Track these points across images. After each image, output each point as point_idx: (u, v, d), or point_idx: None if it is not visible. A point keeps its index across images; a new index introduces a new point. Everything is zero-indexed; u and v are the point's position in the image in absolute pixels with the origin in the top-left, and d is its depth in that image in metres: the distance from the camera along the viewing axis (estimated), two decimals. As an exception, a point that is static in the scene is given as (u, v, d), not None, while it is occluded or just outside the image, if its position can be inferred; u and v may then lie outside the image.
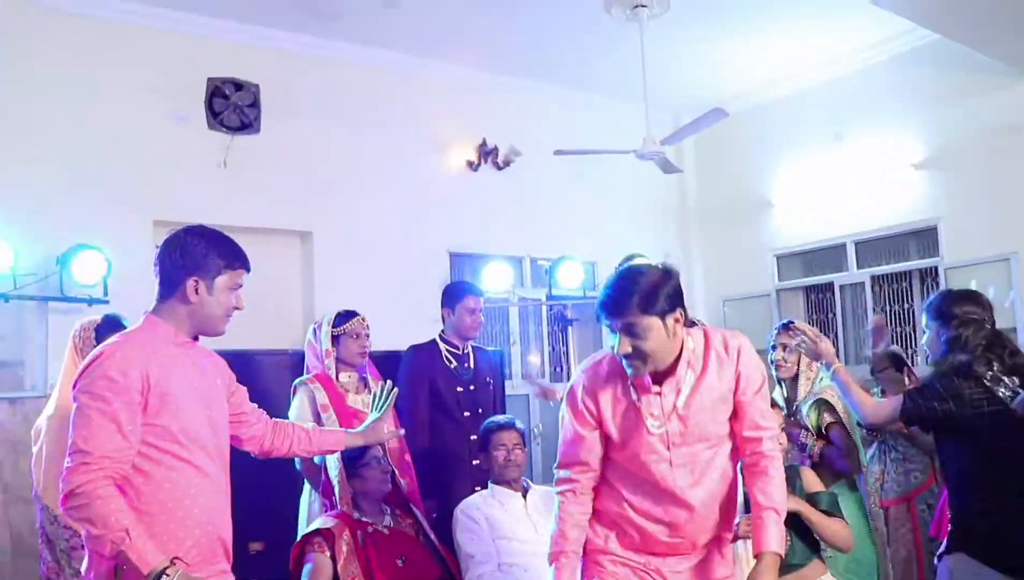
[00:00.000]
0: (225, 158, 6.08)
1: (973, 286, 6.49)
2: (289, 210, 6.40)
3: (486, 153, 7.26)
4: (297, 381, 4.13)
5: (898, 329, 7.14)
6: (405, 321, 5.54)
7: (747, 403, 2.47)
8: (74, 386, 2.36)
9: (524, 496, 3.87)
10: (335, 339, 4.13)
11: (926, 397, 3.12)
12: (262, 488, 4.63)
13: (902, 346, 6.94)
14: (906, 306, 7.15)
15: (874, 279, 7.31)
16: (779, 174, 7.81)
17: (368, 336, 4.23)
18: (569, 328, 6.60)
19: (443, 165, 7.18)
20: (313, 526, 3.45)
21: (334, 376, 4.10)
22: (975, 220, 6.60)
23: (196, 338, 2.62)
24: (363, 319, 4.22)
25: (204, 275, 2.53)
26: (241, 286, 2.64)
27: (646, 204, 8.10)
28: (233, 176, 6.13)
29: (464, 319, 4.59)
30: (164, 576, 2.17)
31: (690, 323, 4.95)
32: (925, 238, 7.03)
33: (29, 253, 5.12)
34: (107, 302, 5.23)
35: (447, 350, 4.60)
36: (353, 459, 3.55)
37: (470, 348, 4.69)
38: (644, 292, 2.35)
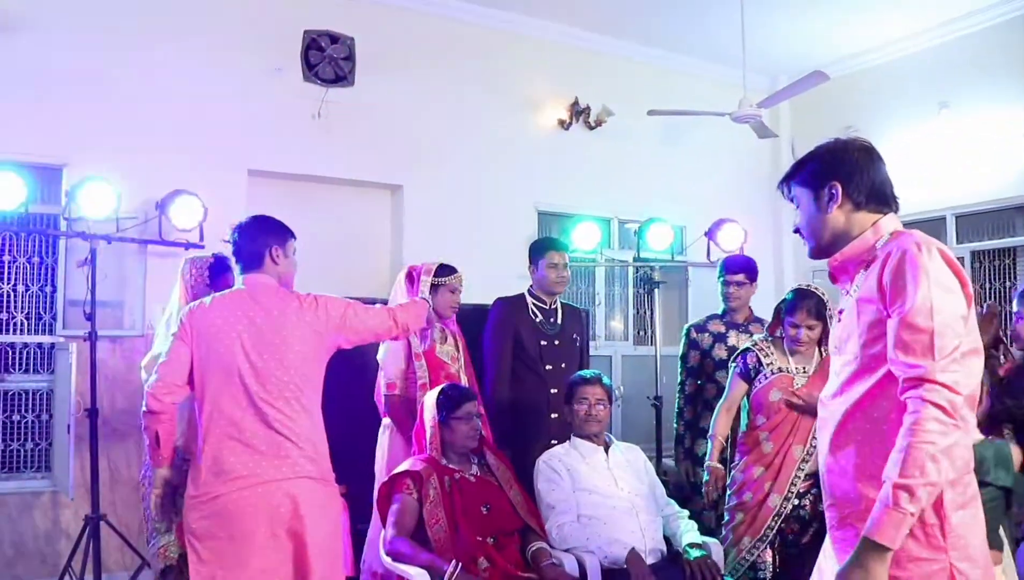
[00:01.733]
0: (319, 110, 6.15)
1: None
2: (380, 163, 6.46)
3: (578, 112, 7.21)
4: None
5: (998, 308, 6.88)
6: (491, 277, 5.58)
7: None
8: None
9: (606, 451, 3.87)
10: (432, 289, 4.18)
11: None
12: (342, 434, 4.75)
13: (1001, 325, 6.70)
14: (1008, 284, 6.90)
15: (974, 254, 7.06)
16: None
17: (461, 292, 4.31)
18: (655, 291, 6.52)
19: (535, 123, 7.15)
20: (403, 467, 3.50)
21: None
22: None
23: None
24: (460, 275, 4.30)
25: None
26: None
27: (738, 169, 7.96)
28: (326, 129, 6.20)
29: (548, 274, 4.60)
30: None
31: (754, 320, 4.89)
32: (1033, 214, 6.76)
33: (131, 198, 5.25)
34: (203, 247, 5.34)
35: (534, 304, 4.61)
36: (448, 409, 3.59)
37: (558, 303, 4.70)
38: None
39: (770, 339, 4.02)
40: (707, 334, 5.01)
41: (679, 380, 5.13)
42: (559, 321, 4.65)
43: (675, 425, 5.17)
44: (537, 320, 4.58)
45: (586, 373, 4.02)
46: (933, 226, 7.30)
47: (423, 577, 3.19)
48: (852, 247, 2.14)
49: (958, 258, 6.74)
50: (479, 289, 5.14)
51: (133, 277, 5.51)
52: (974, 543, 2.01)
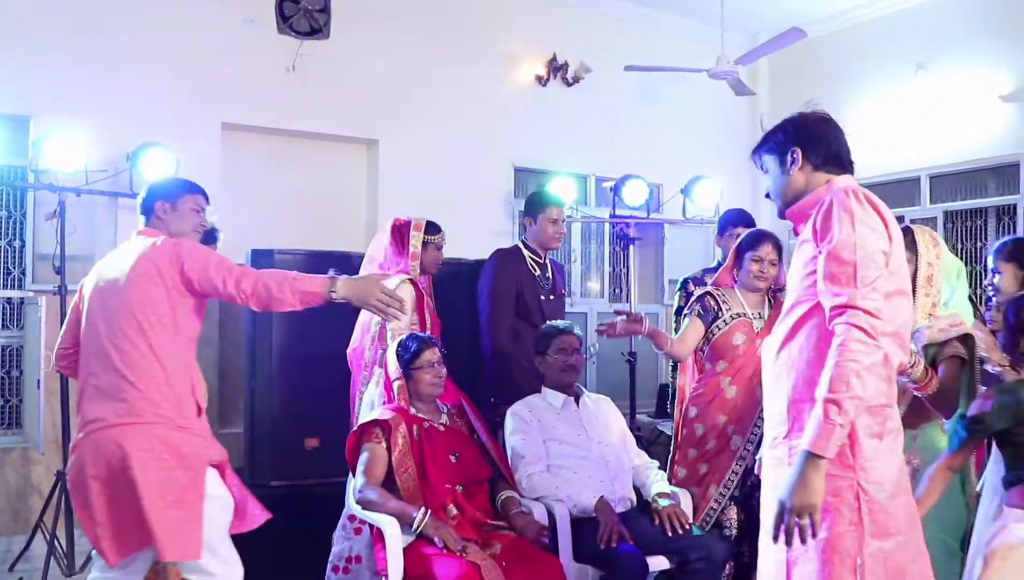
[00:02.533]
0: (294, 63, 6.08)
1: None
2: (356, 118, 6.41)
3: (556, 68, 7.17)
4: (401, 278, 4.14)
5: (968, 268, 6.94)
6: (467, 232, 5.55)
7: None
8: None
9: (576, 401, 3.89)
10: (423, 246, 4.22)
11: None
12: (316, 388, 4.76)
13: (971, 285, 6.75)
14: (979, 245, 6.95)
15: (947, 215, 7.11)
16: (854, 103, 7.56)
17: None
18: (631, 247, 6.54)
19: (513, 79, 7.11)
20: (371, 416, 3.50)
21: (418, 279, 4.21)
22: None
23: None
24: (444, 233, 4.35)
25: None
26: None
27: (716, 127, 7.95)
28: (301, 82, 6.14)
29: (546, 229, 4.56)
30: None
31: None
32: (1005, 175, 6.80)
33: (101, 150, 5.19)
34: (175, 200, 5.31)
35: (531, 258, 4.60)
36: (408, 361, 3.59)
37: (547, 259, 4.69)
38: None
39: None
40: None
41: (677, 334, 4.92)
42: (550, 276, 4.65)
43: (674, 381, 4.91)
44: (536, 275, 4.57)
45: (560, 324, 4.01)
46: (907, 187, 7.35)
47: (393, 525, 3.21)
48: (807, 199, 2.40)
49: (931, 218, 6.81)
50: (454, 244, 5.11)
51: (103, 230, 5.46)
52: (884, 472, 2.21)
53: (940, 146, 7.03)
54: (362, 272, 4.27)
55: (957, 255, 6.88)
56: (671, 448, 4.07)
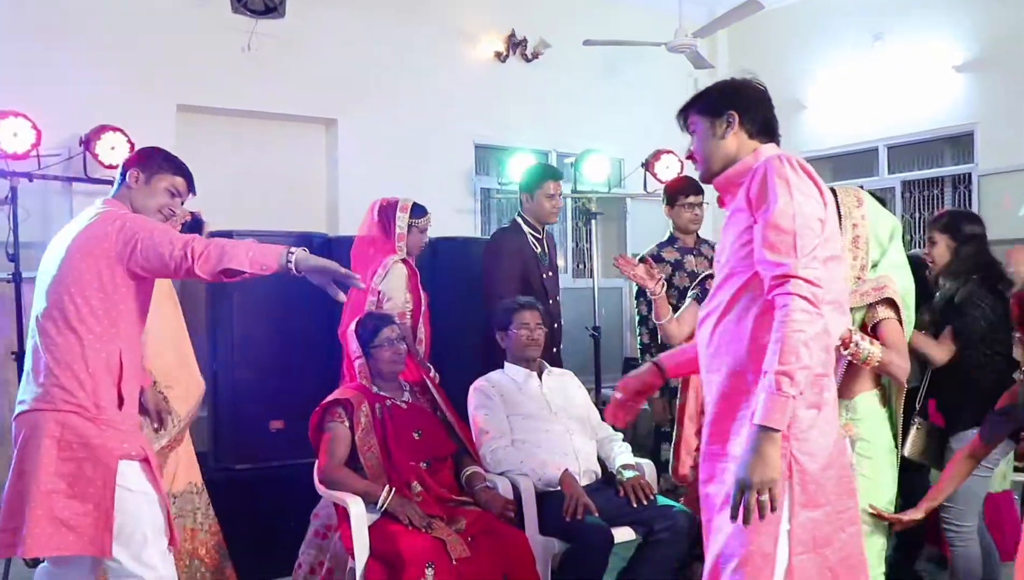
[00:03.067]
0: (249, 43, 6.00)
1: (1007, 195, 6.41)
2: (314, 97, 6.34)
3: (515, 44, 7.14)
4: (394, 258, 4.20)
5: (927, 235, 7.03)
6: (429, 210, 5.51)
7: None
8: None
9: (539, 376, 3.90)
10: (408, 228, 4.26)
11: None
12: (279, 369, 4.74)
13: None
14: (936, 213, 7.02)
15: (905, 184, 7.19)
16: (814, 74, 7.61)
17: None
18: (593, 223, 6.54)
19: (471, 55, 7.07)
20: (333, 396, 3.50)
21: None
22: (1013, 126, 6.43)
23: None
24: (430, 217, 4.40)
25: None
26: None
27: (676, 101, 7.83)
28: (257, 62, 6.06)
29: (544, 204, 4.55)
30: None
31: (702, 242, 4.74)
32: (960, 144, 6.89)
33: (54, 134, 5.08)
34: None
35: (531, 234, 4.57)
36: (367, 339, 3.59)
37: (546, 233, 4.67)
38: None
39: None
40: (665, 263, 4.67)
41: (640, 315, 4.79)
42: (547, 250, 4.64)
43: (640, 361, 4.81)
44: (538, 252, 4.56)
45: (521, 299, 4.00)
46: (865, 157, 7.42)
47: (357, 504, 3.21)
48: (735, 169, 2.33)
49: (889, 188, 6.86)
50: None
51: (58, 216, 5.35)
52: (819, 442, 2.17)
53: (897, 117, 7.09)
54: (354, 251, 4.31)
55: (915, 225, 7.05)
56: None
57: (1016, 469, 4.47)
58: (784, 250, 2.09)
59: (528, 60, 7.20)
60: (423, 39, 6.77)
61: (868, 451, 2.84)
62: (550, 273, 4.60)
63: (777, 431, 2.04)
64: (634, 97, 7.67)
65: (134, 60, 5.63)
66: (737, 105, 2.34)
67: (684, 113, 2.46)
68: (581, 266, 7.74)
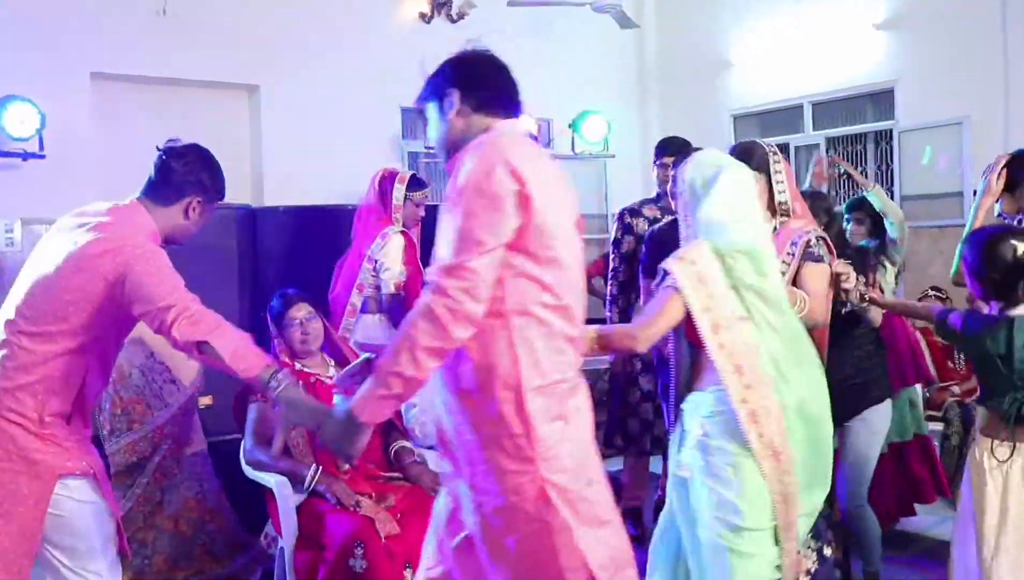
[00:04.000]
0: (164, 7, 5.81)
1: (927, 150, 6.55)
2: (235, 63, 6.18)
3: (439, 5, 7.02)
4: (394, 229, 4.31)
5: (851, 191, 7.16)
6: (354, 176, 5.44)
7: None
8: None
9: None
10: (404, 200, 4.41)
11: None
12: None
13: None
14: (860, 168, 7.15)
15: (830, 141, 7.29)
16: (739, 33, 7.64)
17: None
18: (522, 185, 6.53)
19: (395, 17, 6.95)
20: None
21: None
22: (931, 83, 6.55)
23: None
24: (428, 191, 4.58)
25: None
26: None
27: (603, 62, 7.93)
28: (174, 26, 5.87)
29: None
30: None
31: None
32: (882, 101, 6.99)
33: (-42, 104, 4.91)
34: (43, 157, 5.08)
35: None
36: (277, 319, 3.55)
37: None
38: None
39: None
40: (642, 219, 4.61)
41: (612, 266, 4.70)
42: None
43: (607, 313, 4.75)
44: None
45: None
46: (790, 114, 7.50)
47: (284, 485, 3.19)
48: (467, 148, 2.17)
49: (814, 145, 6.92)
50: (342, 189, 5.04)
51: (-36, 191, 5.19)
52: (573, 456, 2.04)
53: (821, 74, 7.16)
54: (357, 220, 4.48)
55: (841, 181, 7.16)
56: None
57: (929, 418, 4.69)
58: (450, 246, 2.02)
59: (453, 21, 7.10)
60: (346, 0, 6.63)
61: (725, 456, 2.42)
62: None
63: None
64: (561, 58, 7.62)
65: (44, 26, 5.40)
66: (457, 81, 2.22)
67: (417, 103, 2.36)
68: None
